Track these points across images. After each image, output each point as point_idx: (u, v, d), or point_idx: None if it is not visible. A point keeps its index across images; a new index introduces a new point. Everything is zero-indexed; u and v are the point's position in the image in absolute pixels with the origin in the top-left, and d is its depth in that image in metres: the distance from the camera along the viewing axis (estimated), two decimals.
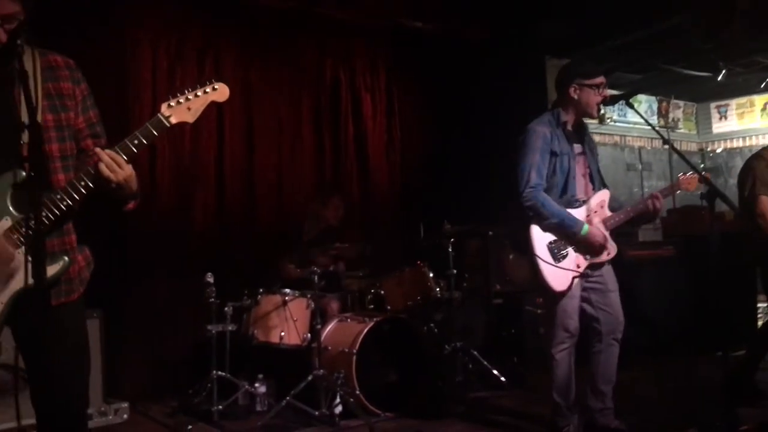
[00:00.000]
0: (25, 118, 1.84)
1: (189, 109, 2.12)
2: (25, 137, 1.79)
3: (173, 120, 2.10)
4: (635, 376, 4.63)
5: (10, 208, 1.97)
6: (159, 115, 2.09)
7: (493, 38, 6.38)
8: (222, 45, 5.64)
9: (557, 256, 3.34)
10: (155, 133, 2.07)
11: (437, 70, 6.66)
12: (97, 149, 1.99)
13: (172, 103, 2.11)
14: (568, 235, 3.33)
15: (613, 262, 3.51)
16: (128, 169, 2.01)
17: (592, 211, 3.42)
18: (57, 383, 2.04)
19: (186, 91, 2.14)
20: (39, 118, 1.96)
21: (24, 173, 1.92)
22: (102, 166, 1.96)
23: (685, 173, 3.58)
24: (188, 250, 5.30)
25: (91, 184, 1.98)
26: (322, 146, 6.21)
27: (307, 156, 6.10)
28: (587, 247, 3.35)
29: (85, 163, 2.10)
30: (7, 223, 1.96)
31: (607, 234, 3.40)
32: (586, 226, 3.33)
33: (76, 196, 1.98)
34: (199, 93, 2.14)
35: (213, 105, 2.18)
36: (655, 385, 4.73)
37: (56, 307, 2.05)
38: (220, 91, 2.17)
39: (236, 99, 5.65)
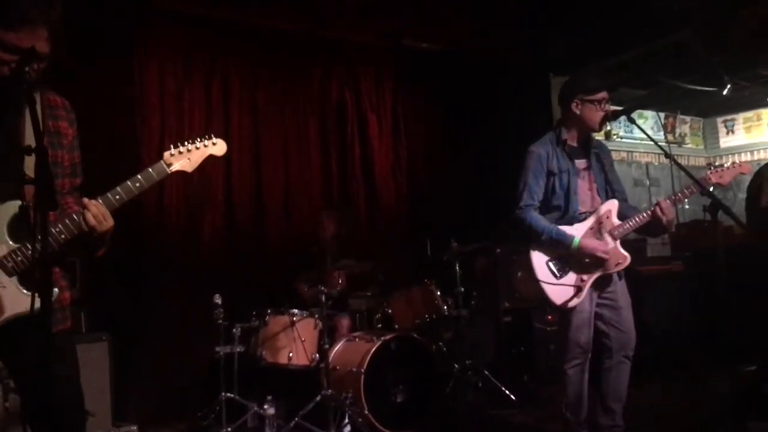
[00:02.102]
0: (30, 142, 1.87)
1: (189, 159, 2.29)
2: (31, 162, 1.81)
3: (174, 168, 2.25)
4: (646, 392, 4.59)
5: (6, 237, 1.99)
6: (162, 162, 2.23)
7: (498, 57, 6.42)
8: (229, 67, 5.71)
9: (557, 272, 3.36)
10: (156, 177, 2.20)
11: (442, 89, 6.71)
12: (85, 200, 2.06)
13: (174, 153, 2.26)
14: (562, 251, 3.35)
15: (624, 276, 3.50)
16: (111, 221, 2.08)
17: (598, 222, 3.42)
18: (54, 409, 2.05)
19: (187, 143, 2.30)
20: None
21: (26, 203, 1.95)
22: (89, 216, 2.02)
23: (714, 166, 3.45)
24: (197, 271, 5.32)
25: (82, 226, 2.04)
26: (329, 166, 6.25)
27: (315, 176, 6.14)
28: (585, 259, 3.34)
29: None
30: (2, 251, 1.98)
31: (612, 243, 3.39)
32: (576, 239, 3.34)
33: (74, 231, 2.03)
34: (199, 146, 2.33)
35: (211, 158, 2.37)
36: (666, 400, 4.69)
37: (54, 335, 2.06)
38: (219, 146, 2.41)
39: (243, 120, 5.73)
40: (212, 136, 2.38)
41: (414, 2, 5.57)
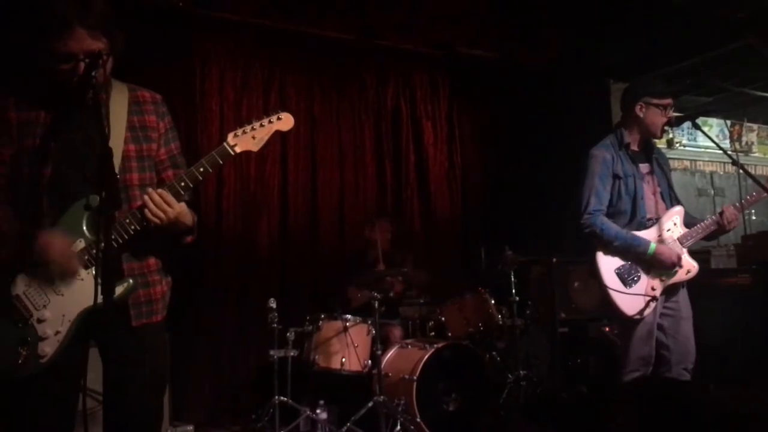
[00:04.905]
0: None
1: (254, 138, 2.20)
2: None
3: (238, 149, 2.18)
4: None
5: (85, 231, 2.06)
6: (225, 144, 2.17)
7: (556, 63, 6.32)
8: (286, 76, 5.80)
9: (627, 281, 3.25)
10: (220, 161, 2.15)
11: (498, 97, 6.65)
12: (149, 190, 2.06)
13: (238, 133, 2.19)
14: (636, 257, 3.24)
15: (688, 288, 3.39)
16: (178, 208, 2.08)
17: (665, 230, 3.32)
18: (135, 404, 2.11)
19: (252, 121, 2.21)
20: (121, 148, 2.09)
21: (99, 198, 2.02)
22: (147, 213, 2.03)
23: None
24: (252, 275, 5.41)
25: (142, 222, 2.07)
26: (384, 173, 6.26)
27: (369, 183, 6.17)
28: (658, 267, 3.25)
29: None
30: (80, 244, 2.06)
31: (682, 252, 3.30)
32: (653, 245, 3.23)
33: (138, 225, 2.07)
34: (264, 123, 2.22)
35: (278, 134, 2.26)
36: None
37: (138, 328, 2.12)
38: (285, 121, 2.25)
39: (300, 128, 5.80)
40: (278, 111, 2.26)
41: (467, 11, 5.54)
